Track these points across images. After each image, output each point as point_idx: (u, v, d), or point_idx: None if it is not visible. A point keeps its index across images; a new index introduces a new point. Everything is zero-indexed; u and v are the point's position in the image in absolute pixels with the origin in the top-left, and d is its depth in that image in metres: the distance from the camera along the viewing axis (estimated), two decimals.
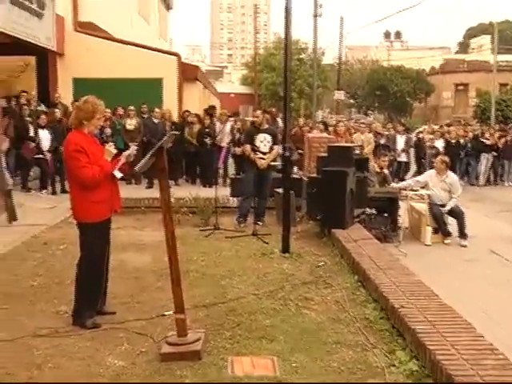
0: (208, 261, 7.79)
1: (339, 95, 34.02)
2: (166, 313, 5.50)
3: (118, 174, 5.42)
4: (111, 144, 5.63)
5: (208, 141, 14.85)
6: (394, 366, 4.53)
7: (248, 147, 9.99)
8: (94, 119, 5.33)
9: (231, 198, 11.96)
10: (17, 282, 6.74)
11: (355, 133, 15.56)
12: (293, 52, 50.62)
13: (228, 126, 15.50)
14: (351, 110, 63.98)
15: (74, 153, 5.19)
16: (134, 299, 6.15)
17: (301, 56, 50.51)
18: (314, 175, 9.59)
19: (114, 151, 5.43)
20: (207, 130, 15.12)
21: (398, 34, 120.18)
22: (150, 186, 14.15)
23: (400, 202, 10.45)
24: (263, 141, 10.01)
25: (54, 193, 12.89)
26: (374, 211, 9.88)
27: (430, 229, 9.90)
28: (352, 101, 62.13)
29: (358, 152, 9.52)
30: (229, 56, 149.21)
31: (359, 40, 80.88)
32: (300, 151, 13.99)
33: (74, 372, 4.43)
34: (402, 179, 14.62)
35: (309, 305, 6.00)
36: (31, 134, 12.70)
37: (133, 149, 5.61)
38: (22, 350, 4.82)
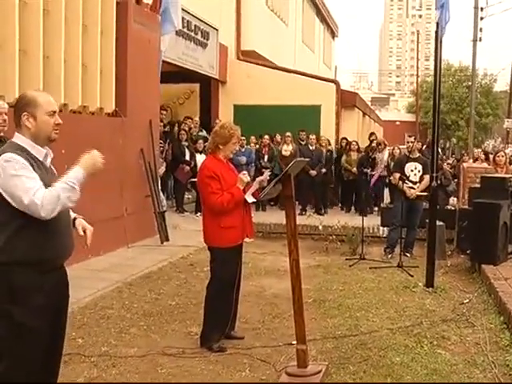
0: (347, 291, 7.63)
1: (510, 123, 32.31)
2: (293, 342, 5.39)
3: (250, 199, 5.44)
4: (245, 172, 5.67)
5: (367, 170, 14.54)
6: None
7: (397, 176, 9.72)
8: (230, 144, 5.39)
9: (381, 228, 11.70)
10: (157, 300, 6.99)
11: None
12: (461, 79, 49.27)
13: (386, 154, 15.21)
14: None
15: (206, 178, 5.30)
16: (264, 325, 6.16)
17: (470, 83, 48.61)
18: (466, 207, 9.15)
19: (247, 179, 5.45)
20: (370, 157, 14.82)
21: None
22: (302, 212, 14.16)
23: None
24: (413, 170, 9.70)
25: None
26: None
27: None
28: None
29: None
30: (397, 83, 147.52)
31: None
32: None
33: None
34: None
35: (445, 344, 5.66)
36: (187, 157, 13.19)
37: (266, 175, 5.62)
38: (148, 367, 4.97)
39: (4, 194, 3.20)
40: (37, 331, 3.35)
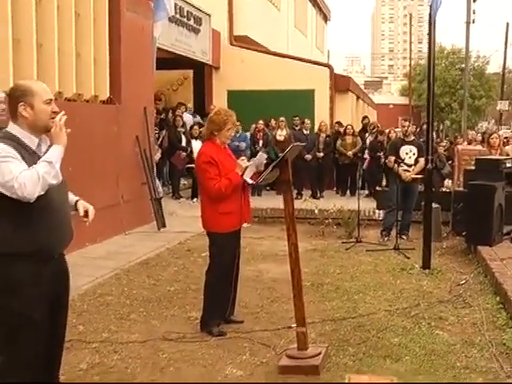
0: (344, 274, 7.68)
1: (502, 105, 32.43)
2: (293, 325, 5.44)
3: (249, 180, 5.42)
4: (243, 158, 5.67)
5: (379, 154, 14.50)
6: None
7: (392, 159, 9.75)
8: (225, 130, 5.38)
9: (377, 211, 11.75)
10: (156, 286, 7.03)
11: (507, 145, 14.67)
12: (455, 61, 49.19)
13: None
14: None
15: (204, 164, 5.31)
16: (263, 309, 6.21)
17: (463, 65, 48.50)
18: (461, 189, 9.20)
19: (245, 165, 5.45)
20: (379, 141, 14.78)
21: None
22: (298, 196, 14.17)
23: None
24: (408, 153, 9.73)
25: None
26: None
27: None
28: None
29: (510, 165, 8.98)
30: (390, 66, 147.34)
31: None
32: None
33: (193, 377, 4.52)
34: None
35: (442, 325, 5.72)
36: (183, 144, 13.19)
37: (263, 157, 5.60)
38: (149, 353, 5.01)
39: None
40: (36, 321, 3.37)
